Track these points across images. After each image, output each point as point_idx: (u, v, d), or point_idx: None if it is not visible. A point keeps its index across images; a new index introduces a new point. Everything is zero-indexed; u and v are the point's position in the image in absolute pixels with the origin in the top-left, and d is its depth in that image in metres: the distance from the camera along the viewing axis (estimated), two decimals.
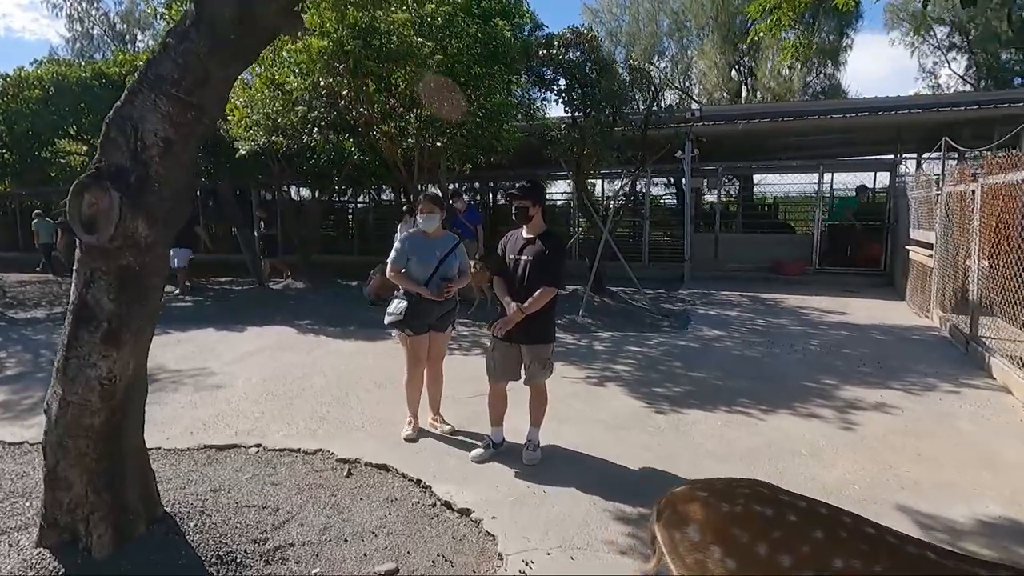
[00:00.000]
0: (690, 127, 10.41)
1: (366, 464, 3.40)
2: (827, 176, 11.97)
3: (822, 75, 17.60)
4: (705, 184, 14.23)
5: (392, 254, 3.70)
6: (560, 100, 7.91)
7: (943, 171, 7.29)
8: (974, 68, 17.80)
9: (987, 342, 5.56)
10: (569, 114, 8.07)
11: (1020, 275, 4.75)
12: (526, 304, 3.17)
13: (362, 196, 16.12)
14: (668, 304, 8.89)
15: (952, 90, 17.41)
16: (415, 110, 8.01)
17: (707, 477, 1.74)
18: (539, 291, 3.14)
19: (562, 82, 7.77)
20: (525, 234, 3.29)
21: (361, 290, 9.02)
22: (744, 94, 18.19)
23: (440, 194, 4.18)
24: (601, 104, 7.42)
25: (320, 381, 5.05)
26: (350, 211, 17.27)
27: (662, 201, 17.33)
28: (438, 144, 8.26)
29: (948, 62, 18.33)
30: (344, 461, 3.45)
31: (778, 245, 12.12)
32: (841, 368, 5.31)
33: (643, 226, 12.93)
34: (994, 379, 4.91)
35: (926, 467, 3.30)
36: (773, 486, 1.50)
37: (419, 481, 3.18)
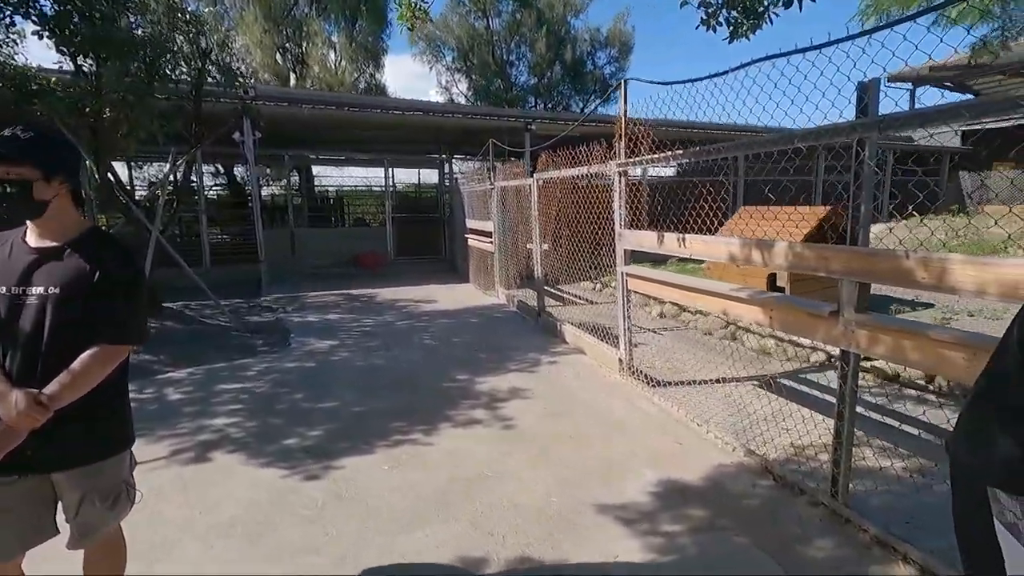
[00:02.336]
0: (249, 104, 8.86)
1: None
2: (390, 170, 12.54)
3: (367, 73, 18.57)
4: (268, 173, 12.80)
5: None
6: (48, 33, 5.15)
7: (492, 168, 8.42)
8: (473, 91, 22.27)
9: (553, 312, 6.65)
10: (67, 56, 5.38)
11: (576, 255, 5.75)
12: (52, 388, 1.49)
13: None
14: (255, 316, 7.35)
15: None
16: None
17: None
18: (89, 354, 1.52)
19: (45, 2, 5.06)
20: (34, 243, 1.56)
21: None
22: (293, 81, 17.31)
23: None
24: (126, 49, 5.17)
25: None
26: None
27: (211, 192, 14.80)
28: None
29: (456, 82, 22.35)
30: None
31: (357, 239, 12.00)
32: (464, 359, 5.30)
33: (201, 222, 10.54)
34: (568, 343, 5.84)
35: (584, 451, 3.38)
36: None
37: None
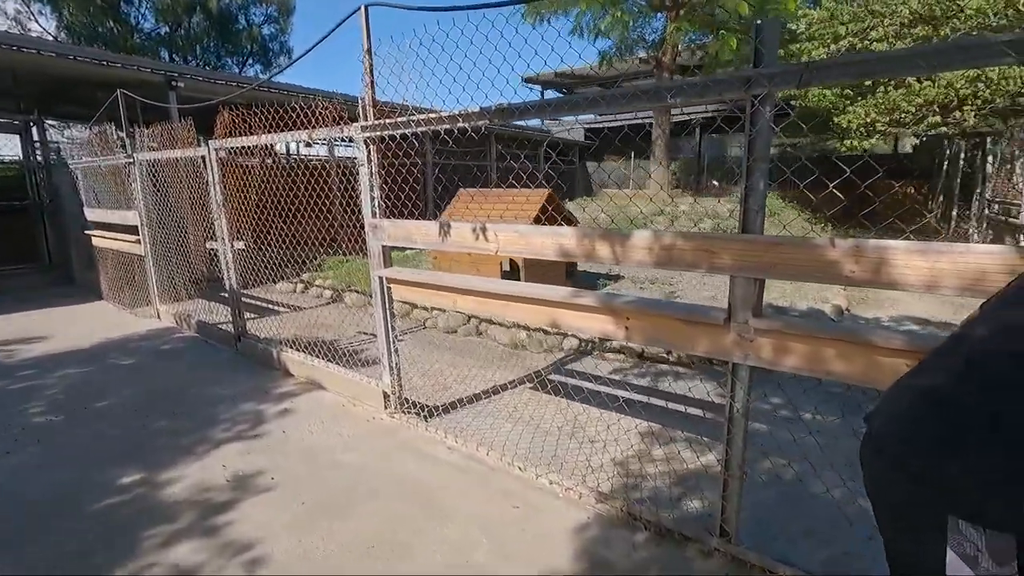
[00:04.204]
0: None
1: None
2: None
3: None
4: None
5: None
6: None
7: (131, 135, 5.77)
8: (67, 31, 16.18)
9: (257, 331, 4.85)
10: None
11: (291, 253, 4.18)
12: None
13: None
14: None
15: None
16: None
17: None
18: None
19: None
20: None
21: None
22: None
23: None
24: None
25: None
26: None
27: None
28: None
29: (36, 15, 15.79)
30: None
31: None
32: (128, 437, 3.21)
33: None
34: (295, 376, 4.26)
35: (407, 568, 2.17)
36: None
37: None
